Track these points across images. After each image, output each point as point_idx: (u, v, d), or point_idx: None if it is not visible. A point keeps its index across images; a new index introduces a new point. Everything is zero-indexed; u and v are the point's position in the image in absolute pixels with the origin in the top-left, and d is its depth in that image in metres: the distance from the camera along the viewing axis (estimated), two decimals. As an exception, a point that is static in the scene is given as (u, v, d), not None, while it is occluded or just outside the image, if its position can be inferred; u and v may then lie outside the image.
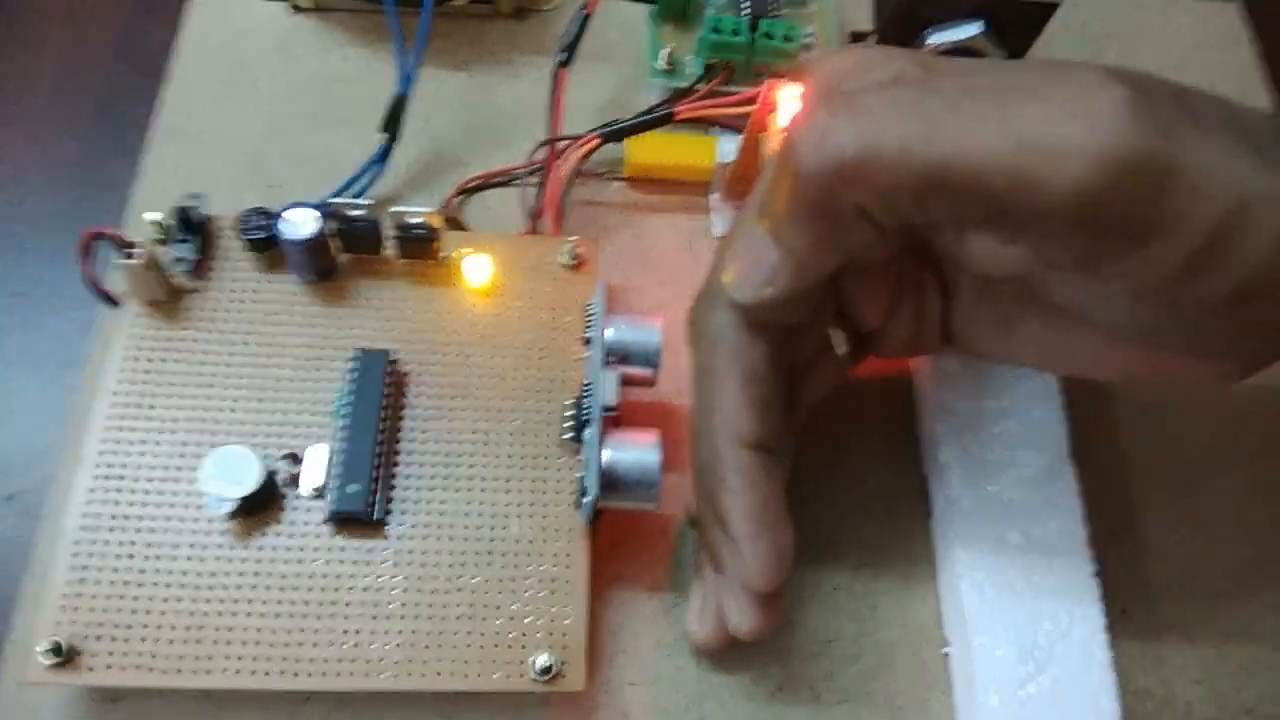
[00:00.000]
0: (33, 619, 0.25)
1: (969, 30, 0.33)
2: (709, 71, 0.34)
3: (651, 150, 0.34)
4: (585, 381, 0.28)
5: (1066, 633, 0.27)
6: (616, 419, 0.26)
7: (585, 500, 0.25)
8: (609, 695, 0.27)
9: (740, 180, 0.33)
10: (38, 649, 0.24)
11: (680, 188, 0.35)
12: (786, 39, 0.34)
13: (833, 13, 0.37)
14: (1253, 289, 0.19)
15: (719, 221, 0.34)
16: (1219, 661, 0.29)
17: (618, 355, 0.27)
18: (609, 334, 0.27)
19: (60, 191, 0.34)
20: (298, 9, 0.37)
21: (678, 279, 0.33)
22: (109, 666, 0.24)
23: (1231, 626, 0.30)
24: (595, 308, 0.27)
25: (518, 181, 0.34)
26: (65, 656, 0.24)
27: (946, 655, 0.28)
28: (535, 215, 0.32)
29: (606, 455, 0.25)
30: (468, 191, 0.34)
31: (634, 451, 0.25)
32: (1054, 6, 0.33)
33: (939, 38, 0.33)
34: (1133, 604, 0.30)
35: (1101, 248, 0.19)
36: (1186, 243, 0.18)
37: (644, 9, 0.36)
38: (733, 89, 0.34)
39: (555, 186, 0.32)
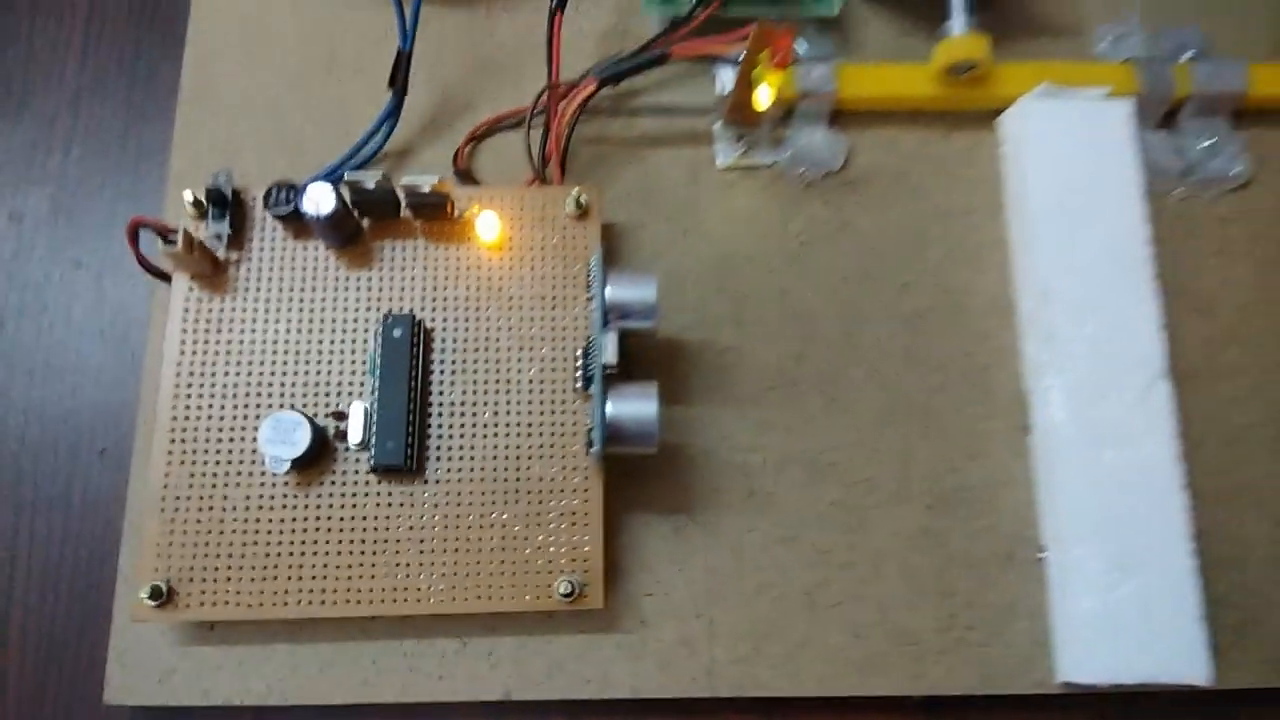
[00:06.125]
0: (135, 565, 0.30)
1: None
2: (704, -1, 0.35)
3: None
4: (591, 336, 0.30)
5: (1154, 544, 0.30)
6: (621, 371, 0.29)
7: (593, 450, 0.28)
8: (628, 605, 0.31)
9: (738, 109, 0.34)
10: (141, 594, 0.28)
11: (684, 116, 0.36)
12: (779, -38, 0.33)
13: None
14: None
15: (723, 151, 0.35)
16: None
17: (618, 312, 0.29)
18: (608, 293, 0.29)
19: (106, 159, 0.36)
20: (301, -46, 0.37)
21: (683, 214, 0.35)
22: (201, 604, 0.29)
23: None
24: (594, 269, 0.29)
25: (525, 124, 0.35)
26: (165, 598, 0.28)
27: (1041, 559, 0.31)
28: (541, 163, 0.34)
29: (609, 409, 0.28)
30: (478, 138, 0.35)
31: (634, 405, 0.28)
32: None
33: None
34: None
35: None
36: None
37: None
38: (729, 14, 0.35)
39: (558, 134, 0.33)
